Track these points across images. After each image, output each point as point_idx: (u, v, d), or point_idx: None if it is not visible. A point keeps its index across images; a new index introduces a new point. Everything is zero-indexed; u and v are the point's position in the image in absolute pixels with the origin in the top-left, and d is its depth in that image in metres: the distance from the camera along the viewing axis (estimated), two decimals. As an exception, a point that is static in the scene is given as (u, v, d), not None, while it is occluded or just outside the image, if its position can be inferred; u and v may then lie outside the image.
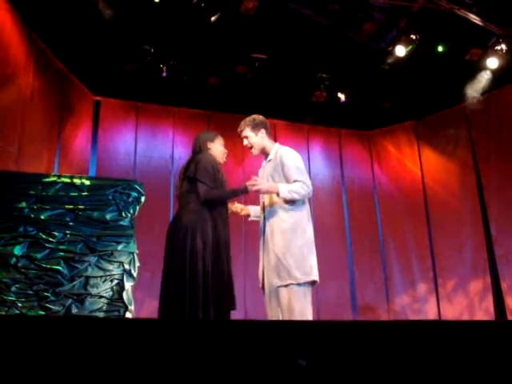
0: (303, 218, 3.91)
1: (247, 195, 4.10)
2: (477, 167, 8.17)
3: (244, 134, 4.12)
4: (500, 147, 7.85)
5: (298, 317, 3.63)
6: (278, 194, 3.82)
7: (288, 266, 3.72)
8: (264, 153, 4.15)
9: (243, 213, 4.18)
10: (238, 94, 8.02)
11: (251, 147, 4.12)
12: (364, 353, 2.23)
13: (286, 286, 3.71)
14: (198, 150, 4.08)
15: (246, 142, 4.13)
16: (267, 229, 3.92)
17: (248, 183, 3.89)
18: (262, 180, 3.96)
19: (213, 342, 2.09)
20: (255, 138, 4.09)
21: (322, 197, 8.80)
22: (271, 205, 3.94)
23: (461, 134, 8.34)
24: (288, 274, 3.71)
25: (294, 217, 3.86)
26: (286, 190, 3.80)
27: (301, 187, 3.83)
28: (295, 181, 3.85)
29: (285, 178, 3.91)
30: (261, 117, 4.17)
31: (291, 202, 3.87)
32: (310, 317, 3.76)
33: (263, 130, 4.11)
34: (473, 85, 7.64)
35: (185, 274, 3.66)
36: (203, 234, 3.76)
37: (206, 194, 3.83)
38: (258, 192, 3.94)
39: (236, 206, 4.14)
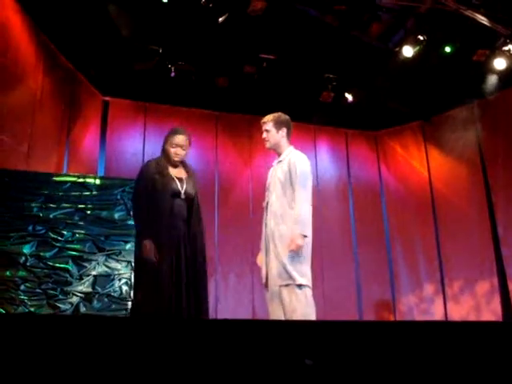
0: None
1: (262, 205, 4.12)
2: (484, 168, 8.14)
3: (266, 126, 4.17)
4: (508, 148, 7.82)
5: (300, 318, 3.66)
6: (305, 236, 3.78)
7: (289, 271, 3.76)
8: (276, 152, 4.20)
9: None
10: (245, 94, 8.04)
11: (267, 140, 4.16)
12: (370, 353, 2.25)
13: (286, 285, 3.75)
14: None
15: (265, 134, 4.18)
16: (269, 232, 3.94)
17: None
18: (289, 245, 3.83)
19: (221, 341, 2.11)
20: (275, 134, 4.16)
21: (329, 197, 8.80)
22: (276, 207, 3.94)
23: (468, 134, 8.31)
24: (289, 276, 3.76)
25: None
26: (301, 228, 3.78)
27: (305, 211, 3.83)
28: (299, 201, 3.85)
29: (291, 184, 3.93)
30: (287, 116, 4.25)
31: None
32: (312, 318, 3.78)
33: (285, 129, 4.17)
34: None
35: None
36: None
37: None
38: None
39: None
